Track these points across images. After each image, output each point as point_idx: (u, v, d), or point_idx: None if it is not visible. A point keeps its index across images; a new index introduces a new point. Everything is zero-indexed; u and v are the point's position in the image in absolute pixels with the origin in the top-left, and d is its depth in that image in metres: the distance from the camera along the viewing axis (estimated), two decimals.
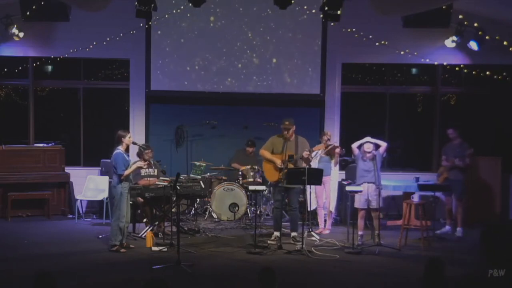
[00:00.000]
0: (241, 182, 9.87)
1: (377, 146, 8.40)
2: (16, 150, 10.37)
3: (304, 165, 8.27)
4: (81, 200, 10.19)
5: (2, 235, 8.81)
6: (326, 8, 9.10)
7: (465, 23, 10.08)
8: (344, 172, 10.21)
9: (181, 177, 8.40)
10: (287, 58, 10.70)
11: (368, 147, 8.28)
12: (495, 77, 10.31)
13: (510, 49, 9.89)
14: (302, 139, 8.44)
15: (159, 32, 10.59)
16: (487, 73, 10.32)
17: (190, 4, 9.24)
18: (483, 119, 10.81)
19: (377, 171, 8.24)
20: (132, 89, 10.86)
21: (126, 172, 7.70)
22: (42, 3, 9.62)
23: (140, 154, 9.07)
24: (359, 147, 8.40)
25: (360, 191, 8.19)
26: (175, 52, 10.68)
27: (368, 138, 8.38)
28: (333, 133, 10.11)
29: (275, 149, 8.38)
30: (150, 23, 10.24)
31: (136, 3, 9.06)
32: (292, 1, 9.18)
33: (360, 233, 8.36)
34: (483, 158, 10.23)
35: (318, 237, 8.73)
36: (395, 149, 11.32)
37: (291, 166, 8.18)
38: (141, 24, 10.22)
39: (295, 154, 8.27)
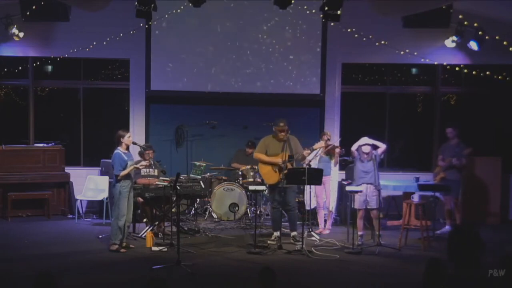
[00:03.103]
0: (241, 182, 9.87)
1: (374, 147, 8.38)
2: (16, 150, 10.37)
3: (304, 165, 8.27)
4: (81, 200, 10.19)
5: (2, 235, 8.81)
6: (326, 8, 9.11)
7: (465, 23, 10.08)
8: (344, 172, 10.21)
9: (181, 177, 8.40)
10: (287, 58, 10.70)
11: (366, 148, 8.27)
12: (495, 77, 10.31)
13: (510, 49, 9.89)
14: (293, 137, 8.37)
15: (159, 32, 10.59)
16: (487, 73, 10.31)
17: (190, 4, 9.24)
18: (483, 119, 10.80)
19: (376, 172, 8.24)
20: (132, 89, 10.87)
21: (122, 173, 7.71)
22: (42, 3, 9.62)
23: (141, 154, 9.08)
24: (358, 148, 8.38)
25: (360, 191, 8.19)
26: (175, 52, 10.68)
27: (365, 139, 8.35)
28: (333, 133, 10.11)
29: (269, 151, 8.30)
30: (150, 23, 10.23)
31: (136, 3, 9.06)
32: (292, 1, 9.18)
33: (360, 233, 8.36)
34: (483, 158, 10.24)
35: (318, 237, 8.73)
36: (396, 148, 11.32)
37: (289, 166, 8.17)
38: (141, 24, 10.21)
39: (293, 154, 8.24)
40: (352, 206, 8.40)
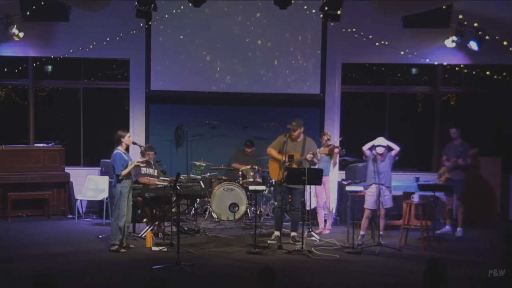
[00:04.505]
0: (241, 182, 9.87)
1: (388, 148, 8.33)
2: (16, 150, 10.37)
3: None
4: (81, 200, 10.19)
5: (2, 235, 8.81)
6: (326, 8, 9.11)
7: (465, 23, 10.08)
8: (344, 172, 10.21)
9: (181, 177, 8.40)
10: (287, 58, 10.70)
11: (380, 149, 8.22)
12: (495, 77, 10.31)
13: (510, 49, 9.89)
14: (310, 140, 8.41)
15: (159, 32, 10.58)
16: (487, 73, 10.32)
17: (190, 4, 9.24)
18: (483, 119, 10.81)
19: (389, 172, 8.22)
20: (132, 89, 10.87)
21: (124, 172, 7.71)
22: (42, 3, 9.62)
23: (143, 154, 9.06)
24: (371, 148, 8.33)
25: (360, 191, 8.17)
26: (175, 52, 10.68)
27: (381, 139, 8.29)
28: (333, 133, 10.10)
29: (282, 149, 8.34)
30: (150, 23, 10.23)
31: (136, 3, 9.06)
32: (292, 1, 9.18)
33: (362, 233, 8.35)
34: (483, 158, 10.24)
35: (318, 237, 8.73)
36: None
37: (295, 166, 8.17)
38: (141, 24, 10.21)
39: (300, 155, 8.25)
40: (365, 206, 8.36)
